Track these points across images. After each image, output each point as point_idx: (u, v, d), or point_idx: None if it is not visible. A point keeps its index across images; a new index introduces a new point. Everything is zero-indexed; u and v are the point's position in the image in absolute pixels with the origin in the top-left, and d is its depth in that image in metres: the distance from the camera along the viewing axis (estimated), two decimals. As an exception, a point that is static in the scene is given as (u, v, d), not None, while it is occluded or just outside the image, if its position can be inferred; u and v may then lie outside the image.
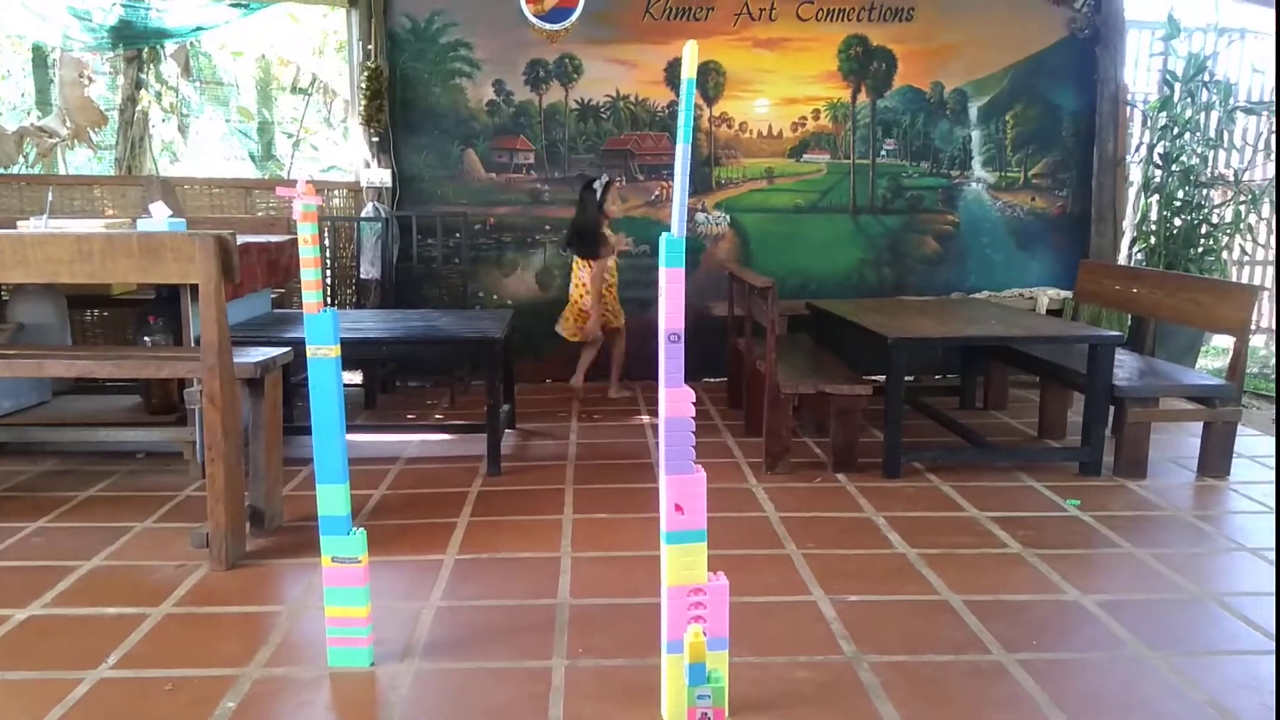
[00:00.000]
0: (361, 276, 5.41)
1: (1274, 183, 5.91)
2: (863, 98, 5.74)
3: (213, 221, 5.08)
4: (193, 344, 3.50)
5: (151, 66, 8.29)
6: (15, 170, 7.01)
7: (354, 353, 4.34)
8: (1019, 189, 5.89)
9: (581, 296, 5.01)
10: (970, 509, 3.42)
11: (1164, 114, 5.77)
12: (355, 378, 5.33)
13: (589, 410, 4.97)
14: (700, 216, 5.76)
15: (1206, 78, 5.76)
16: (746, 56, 5.64)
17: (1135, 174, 6.00)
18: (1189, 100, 5.78)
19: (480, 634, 2.43)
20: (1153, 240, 5.87)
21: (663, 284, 1.86)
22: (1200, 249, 5.83)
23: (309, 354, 2.15)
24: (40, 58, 8.41)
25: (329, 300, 5.49)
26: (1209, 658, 2.33)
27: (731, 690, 2.02)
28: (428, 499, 3.54)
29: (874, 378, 4.02)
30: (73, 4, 5.55)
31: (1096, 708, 2.08)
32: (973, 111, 5.79)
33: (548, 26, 5.19)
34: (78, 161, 9.21)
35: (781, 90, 5.70)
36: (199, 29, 6.03)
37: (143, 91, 8.04)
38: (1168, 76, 5.82)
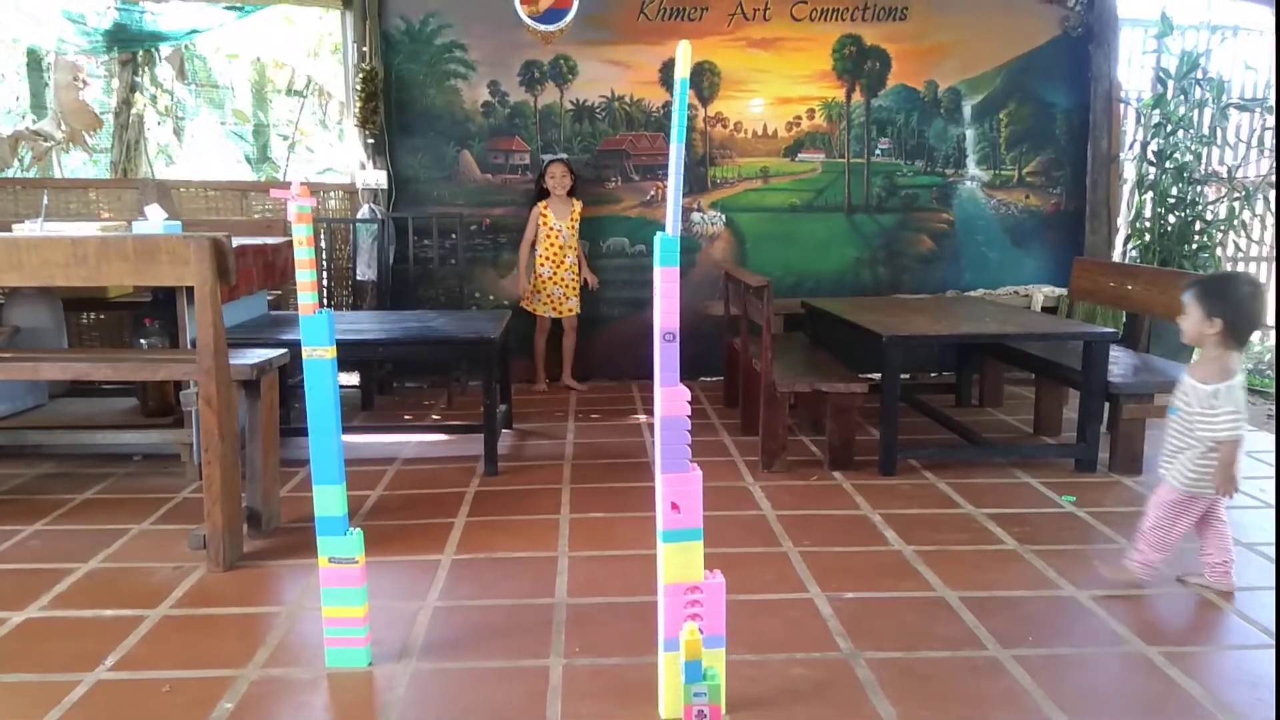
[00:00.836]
0: (358, 278, 5.42)
1: (1269, 179, 5.92)
2: (857, 97, 5.76)
3: (208, 224, 5.09)
4: (189, 346, 3.50)
5: (146, 69, 8.29)
6: (10, 174, 7.01)
7: (350, 354, 4.35)
8: (1013, 187, 5.91)
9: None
10: (966, 506, 3.43)
11: (1157, 111, 5.78)
12: (352, 379, 5.33)
13: (584, 410, 4.98)
14: (696, 216, 5.77)
15: (1199, 75, 5.78)
16: (741, 56, 5.65)
17: (1129, 171, 6.01)
18: (1182, 97, 5.79)
19: (478, 634, 2.43)
20: (1147, 237, 5.88)
21: (658, 283, 1.86)
22: (1194, 245, 5.84)
23: (305, 355, 2.15)
24: (35, 61, 8.40)
25: (325, 302, 5.49)
26: (1206, 653, 2.34)
27: (728, 688, 2.02)
28: (425, 499, 3.54)
29: (870, 376, 4.03)
30: (67, 7, 5.55)
31: (1093, 703, 2.08)
32: (967, 110, 5.80)
33: (542, 28, 5.19)
34: (73, 165, 9.21)
35: (776, 90, 5.71)
36: (194, 32, 6.03)
37: (138, 94, 8.04)
38: (1161, 74, 5.83)
